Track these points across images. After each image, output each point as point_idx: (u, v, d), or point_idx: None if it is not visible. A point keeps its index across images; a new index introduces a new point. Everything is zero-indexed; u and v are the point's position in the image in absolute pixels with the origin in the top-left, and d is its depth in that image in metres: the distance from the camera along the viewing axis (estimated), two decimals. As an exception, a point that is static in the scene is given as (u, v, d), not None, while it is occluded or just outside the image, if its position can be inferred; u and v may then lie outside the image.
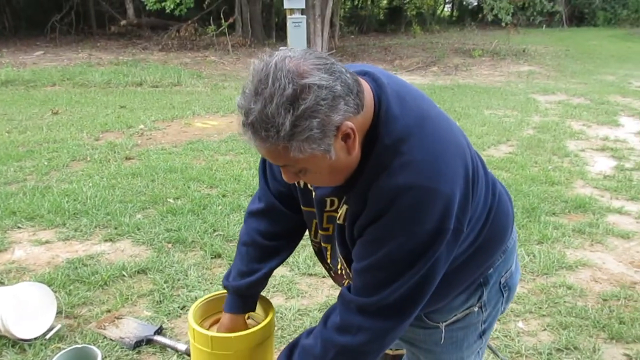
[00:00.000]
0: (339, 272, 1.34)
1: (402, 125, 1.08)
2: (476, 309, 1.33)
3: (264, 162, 1.45)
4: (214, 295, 1.31)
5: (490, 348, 2.31)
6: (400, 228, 1.07)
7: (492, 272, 1.32)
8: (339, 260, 1.31)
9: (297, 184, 1.32)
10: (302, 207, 1.34)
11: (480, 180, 1.20)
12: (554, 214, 4.11)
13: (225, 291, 1.33)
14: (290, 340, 2.46)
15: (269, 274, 1.41)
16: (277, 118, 0.97)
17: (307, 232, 1.46)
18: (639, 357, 2.37)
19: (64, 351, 1.99)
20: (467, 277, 1.28)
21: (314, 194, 1.26)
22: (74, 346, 2.03)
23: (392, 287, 1.10)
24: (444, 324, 1.31)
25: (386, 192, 1.07)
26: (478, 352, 1.42)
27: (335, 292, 2.97)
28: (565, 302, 2.85)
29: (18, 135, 6.28)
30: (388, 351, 1.72)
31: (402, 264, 1.09)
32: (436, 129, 1.13)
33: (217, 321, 1.29)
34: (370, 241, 1.12)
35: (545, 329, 2.61)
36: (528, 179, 4.83)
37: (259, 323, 1.28)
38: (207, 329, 1.26)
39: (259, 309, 1.31)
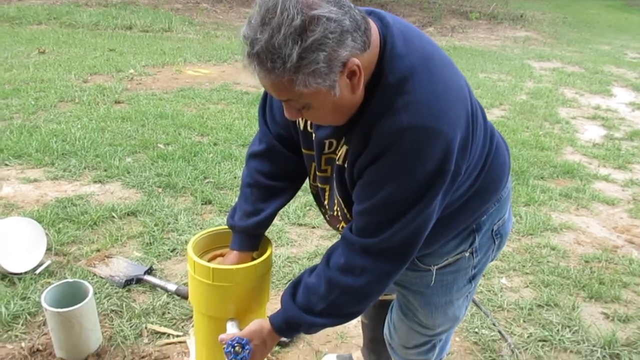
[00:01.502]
0: (335, 213, 1.35)
1: (407, 64, 1.07)
2: (467, 254, 1.35)
3: (263, 104, 1.43)
4: (212, 231, 1.31)
5: (473, 302, 2.38)
6: (401, 168, 1.07)
7: (485, 219, 1.34)
8: (335, 201, 1.31)
9: (297, 125, 1.30)
10: (302, 149, 1.33)
11: (480, 127, 1.20)
12: (542, 178, 4.16)
13: (223, 227, 1.34)
14: (289, 281, 2.50)
15: (274, 214, 1.41)
16: (284, 49, 0.94)
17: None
18: (615, 316, 2.46)
19: (55, 284, 2.00)
20: (461, 223, 1.30)
21: (314, 135, 1.25)
22: (66, 280, 2.03)
23: (393, 228, 1.11)
24: (436, 267, 1.33)
25: (388, 132, 1.06)
26: (467, 295, 1.45)
27: (324, 242, 3.01)
28: (548, 262, 2.92)
29: (4, 73, 6.11)
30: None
31: (402, 205, 1.10)
32: (440, 70, 1.12)
33: (215, 256, 1.30)
34: (371, 182, 1.12)
35: (527, 286, 2.68)
36: (519, 143, 4.86)
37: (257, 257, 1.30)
38: (206, 264, 1.27)
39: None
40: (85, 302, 1.93)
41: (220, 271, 1.13)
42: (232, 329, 1.12)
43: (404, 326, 1.51)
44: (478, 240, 1.34)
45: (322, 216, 1.52)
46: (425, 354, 1.56)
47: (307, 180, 1.48)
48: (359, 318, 1.89)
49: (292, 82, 0.98)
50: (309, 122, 1.26)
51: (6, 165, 3.87)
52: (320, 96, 1.02)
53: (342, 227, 1.27)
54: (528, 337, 2.26)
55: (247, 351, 1.07)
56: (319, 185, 1.33)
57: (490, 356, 2.13)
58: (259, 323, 1.20)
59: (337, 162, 1.21)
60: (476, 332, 2.28)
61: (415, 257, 1.31)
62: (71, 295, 2.00)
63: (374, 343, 1.90)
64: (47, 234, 2.86)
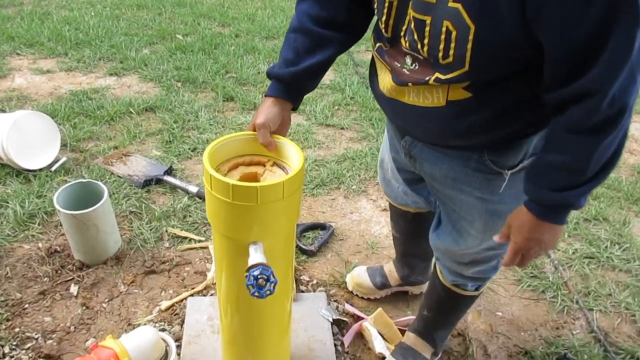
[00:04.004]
0: (404, 44, 1.00)
1: None
2: None
3: None
4: (230, 138, 1.11)
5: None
6: None
7: None
8: (442, 37, 0.91)
9: None
10: None
11: None
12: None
13: (245, 132, 1.14)
14: (316, 186, 2.33)
15: (316, 70, 1.17)
16: None
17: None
18: (669, 233, 2.27)
19: (68, 184, 1.86)
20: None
21: None
22: (80, 180, 1.90)
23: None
24: (510, 171, 1.11)
25: None
26: None
27: (353, 144, 2.81)
28: (596, 172, 2.69)
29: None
30: (409, 208, 1.57)
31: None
32: None
33: (235, 166, 1.11)
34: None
35: (572, 198, 2.48)
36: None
37: (285, 172, 1.10)
38: (225, 175, 1.07)
39: (287, 155, 1.12)
40: (101, 204, 1.80)
41: (241, 188, 0.93)
42: (254, 254, 0.95)
43: (457, 240, 1.32)
44: None
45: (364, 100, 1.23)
46: (488, 272, 1.38)
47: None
48: (391, 230, 1.73)
49: None
50: None
51: (18, 54, 3.66)
52: None
53: (436, 78, 0.95)
54: (573, 253, 2.10)
55: (272, 284, 0.91)
56: (415, 14, 0.95)
57: (531, 272, 1.99)
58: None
59: None
60: (517, 246, 2.13)
61: (488, 158, 1.10)
62: (86, 196, 1.87)
63: (407, 257, 1.76)
64: (62, 130, 2.71)
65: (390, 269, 1.82)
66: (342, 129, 2.98)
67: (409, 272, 1.79)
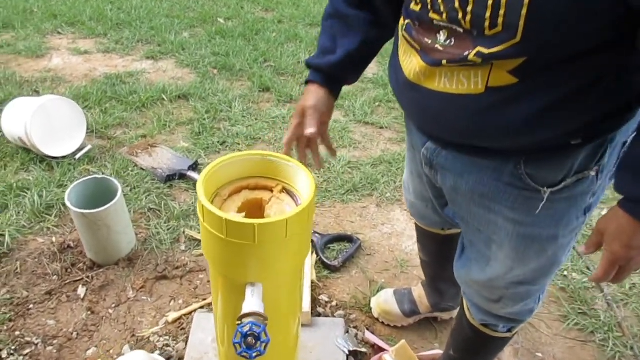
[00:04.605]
0: (440, 16, 0.81)
1: None
2: (592, 173, 0.92)
3: None
4: (234, 157, 0.95)
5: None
6: None
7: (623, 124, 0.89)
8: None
9: None
10: None
11: None
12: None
13: (248, 152, 0.99)
14: (347, 191, 2.16)
15: (355, 57, 1.06)
16: None
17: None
18: None
19: (82, 180, 1.77)
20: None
21: None
22: (94, 176, 1.80)
23: None
24: (550, 189, 0.92)
25: None
26: (575, 233, 1.04)
27: (392, 146, 2.61)
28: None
29: None
30: (438, 230, 1.39)
31: None
32: None
33: (239, 190, 0.95)
34: None
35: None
36: None
37: (293, 201, 0.94)
38: (226, 200, 0.93)
39: (297, 181, 0.96)
40: (113, 203, 1.69)
41: (237, 225, 0.79)
42: (250, 299, 0.80)
43: (483, 268, 1.13)
44: (608, 154, 0.91)
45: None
46: (522, 314, 1.18)
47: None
48: (419, 253, 1.55)
49: None
50: None
51: (59, 33, 3.63)
52: None
53: (477, 52, 0.77)
54: (630, 288, 1.86)
55: (264, 344, 0.76)
56: None
57: (580, 308, 1.77)
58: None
59: None
60: (565, 276, 1.91)
61: (525, 171, 0.91)
62: (100, 193, 1.78)
63: (437, 282, 1.58)
64: (92, 115, 2.65)
65: (421, 295, 1.64)
66: (382, 128, 2.80)
67: (440, 298, 1.61)
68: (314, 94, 1.06)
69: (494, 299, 1.16)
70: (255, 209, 0.93)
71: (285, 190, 0.98)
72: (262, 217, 0.91)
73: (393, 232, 2.06)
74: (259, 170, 0.99)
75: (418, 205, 1.34)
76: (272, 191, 0.97)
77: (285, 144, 1.07)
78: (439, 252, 1.48)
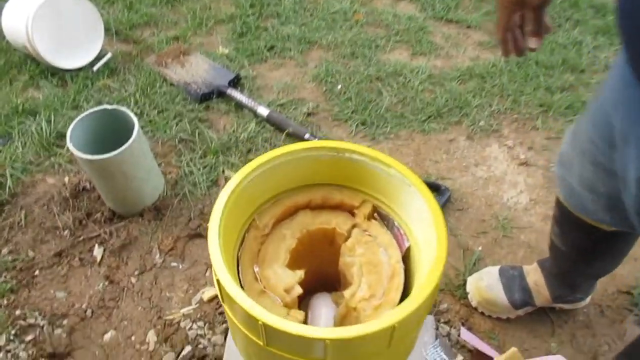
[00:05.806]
0: None
1: None
2: None
3: None
4: (277, 155, 0.51)
5: None
6: None
7: None
8: None
9: None
10: None
11: None
12: None
13: (304, 143, 0.55)
14: (428, 118, 1.68)
15: None
16: None
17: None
18: None
19: (88, 112, 1.36)
20: None
21: None
22: (103, 106, 1.39)
23: None
24: None
25: None
26: None
27: (484, 53, 2.04)
28: None
29: None
30: (603, 226, 0.92)
31: None
32: None
33: (292, 211, 0.52)
34: None
35: None
36: None
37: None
38: (270, 232, 0.49)
39: (400, 198, 0.51)
40: (129, 145, 1.29)
41: (288, 337, 0.36)
42: None
43: None
44: None
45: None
46: None
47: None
48: (551, 237, 1.09)
49: None
50: None
51: None
52: None
53: None
54: None
55: None
56: None
57: None
58: None
59: None
60: None
61: None
62: (115, 126, 1.37)
63: (572, 276, 1.14)
64: (112, 12, 2.18)
65: (538, 283, 1.20)
66: (469, 27, 2.21)
67: (569, 291, 1.18)
68: None
69: None
70: (321, 251, 0.49)
71: (377, 211, 0.52)
72: (336, 269, 0.48)
73: (490, 176, 1.58)
74: (326, 175, 0.53)
75: (584, 196, 0.86)
76: (353, 214, 0.52)
77: (500, 28, 0.79)
78: (592, 248, 1.02)
